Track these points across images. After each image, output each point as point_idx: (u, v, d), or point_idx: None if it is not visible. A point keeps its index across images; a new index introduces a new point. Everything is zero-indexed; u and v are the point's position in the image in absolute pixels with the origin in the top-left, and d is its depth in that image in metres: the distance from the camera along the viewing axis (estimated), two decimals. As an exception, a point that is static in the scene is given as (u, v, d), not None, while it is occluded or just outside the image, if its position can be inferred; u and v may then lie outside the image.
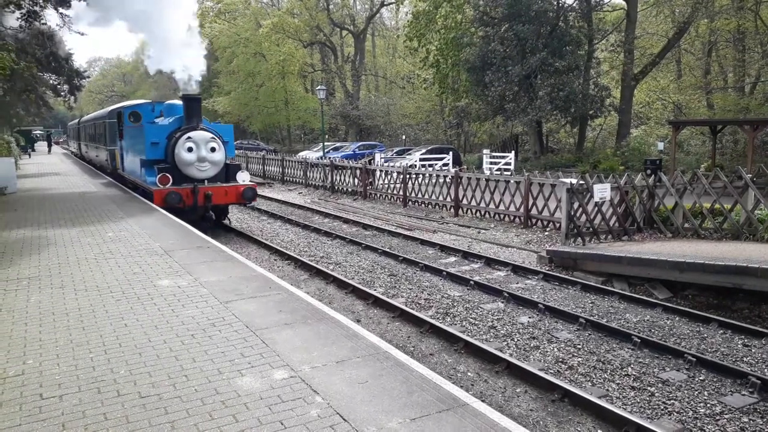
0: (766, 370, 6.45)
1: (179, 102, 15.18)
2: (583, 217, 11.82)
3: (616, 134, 30.73)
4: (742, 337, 7.40)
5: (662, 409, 5.56)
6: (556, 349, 7.00)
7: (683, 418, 5.40)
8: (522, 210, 14.87)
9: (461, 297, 9.09)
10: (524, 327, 7.77)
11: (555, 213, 13.75)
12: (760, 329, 7.55)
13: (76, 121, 39.42)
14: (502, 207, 15.69)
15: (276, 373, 4.14)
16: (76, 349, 4.65)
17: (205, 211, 13.16)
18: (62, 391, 3.94)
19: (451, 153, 29.06)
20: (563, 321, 7.96)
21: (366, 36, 54.54)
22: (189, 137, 13.04)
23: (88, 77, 45.54)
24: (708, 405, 5.64)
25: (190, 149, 13.01)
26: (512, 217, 15.37)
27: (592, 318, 7.89)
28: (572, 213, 11.66)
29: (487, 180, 16.33)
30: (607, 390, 5.97)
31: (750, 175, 11.10)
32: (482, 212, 16.42)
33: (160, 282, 6.51)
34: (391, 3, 49.04)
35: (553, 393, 5.70)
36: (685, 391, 5.91)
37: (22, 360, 4.44)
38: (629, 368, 6.45)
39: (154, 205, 13.06)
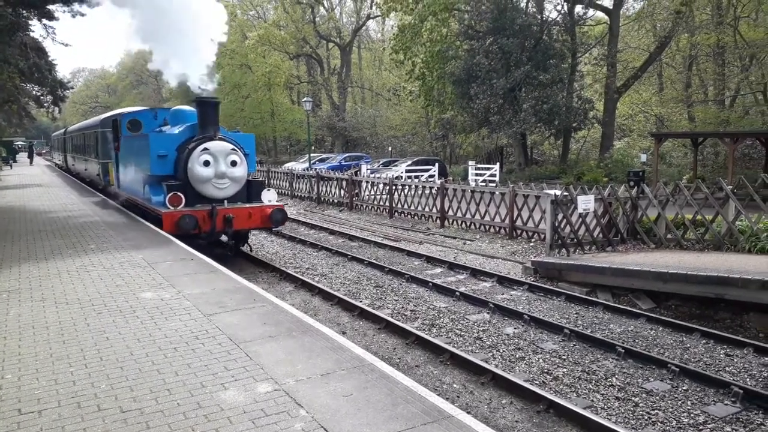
0: (748, 379, 6.51)
1: (188, 108, 13.44)
2: (568, 228, 11.90)
3: (600, 146, 31.04)
4: (725, 346, 7.48)
5: (646, 420, 5.59)
6: (541, 360, 7.01)
7: (667, 428, 5.43)
8: (507, 221, 14.95)
9: (447, 308, 9.09)
10: (510, 338, 7.78)
11: (540, 224, 13.84)
12: (742, 339, 7.63)
13: (62, 131, 37.04)
14: (487, 218, 15.76)
15: (260, 386, 4.10)
16: (56, 363, 4.57)
17: (221, 236, 11.34)
18: (41, 406, 3.87)
19: (436, 164, 29.19)
20: (548, 332, 7.99)
21: (352, 48, 54.81)
22: (205, 149, 10.81)
23: (72, 88, 45.11)
24: (691, 415, 5.67)
25: (206, 163, 10.75)
26: (497, 228, 15.44)
27: (576, 329, 7.93)
28: (557, 224, 11.74)
29: (473, 191, 16.40)
30: (592, 401, 5.99)
31: (730, 187, 11.27)
32: (468, 223, 16.48)
33: (143, 294, 6.44)
34: (378, 16, 49.35)
35: (538, 404, 5.71)
36: (669, 401, 5.94)
37: (0, 375, 4.36)
38: (614, 379, 6.48)
39: (162, 232, 10.77)
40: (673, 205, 11.82)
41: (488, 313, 8.82)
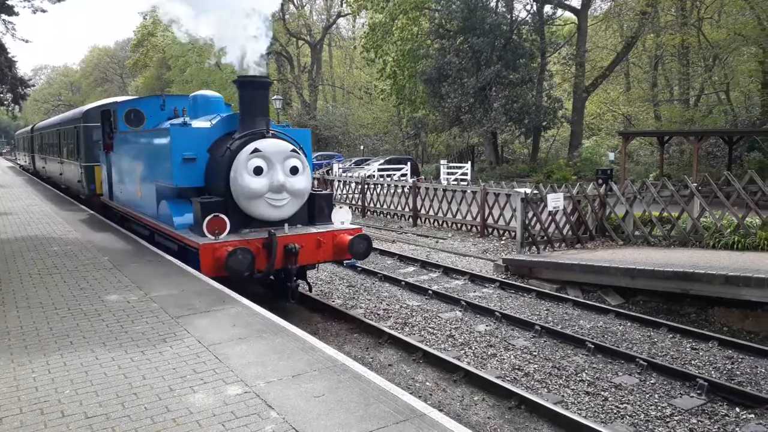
0: (713, 372, 6.67)
1: (213, 94, 10.73)
2: (538, 226, 12.05)
3: (569, 145, 31.53)
4: (690, 340, 7.64)
5: (615, 413, 5.68)
6: (512, 357, 7.07)
7: (635, 421, 5.53)
8: (479, 219, 15.06)
9: (420, 306, 9.11)
10: (482, 335, 7.83)
11: (510, 222, 13.97)
12: (707, 333, 7.82)
13: (29, 128, 31.87)
14: (459, 217, 15.85)
15: (230, 388, 4.03)
16: (18, 369, 4.43)
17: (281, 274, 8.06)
18: (2, 413, 3.73)
19: (409, 163, 29.26)
20: (519, 328, 8.07)
21: (323, 46, 54.55)
22: (256, 150, 7.54)
23: (33, 86, 43.85)
24: (659, 408, 5.78)
25: (258, 170, 7.53)
26: (469, 227, 15.54)
27: (547, 325, 8.02)
28: (527, 222, 11.87)
29: (445, 190, 16.48)
30: (563, 396, 6.06)
31: (695, 184, 11.53)
32: (440, 222, 16.55)
33: (108, 297, 6.29)
34: (348, 14, 49.23)
35: (510, 400, 5.75)
36: (637, 395, 6.05)
37: (-42, 382, 4.19)
38: (583, 374, 6.57)
39: (193, 272, 7.40)
40: (641, 203, 12.05)
41: (460, 310, 8.87)
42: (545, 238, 12.10)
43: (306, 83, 52.21)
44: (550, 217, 12.17)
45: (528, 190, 12.45)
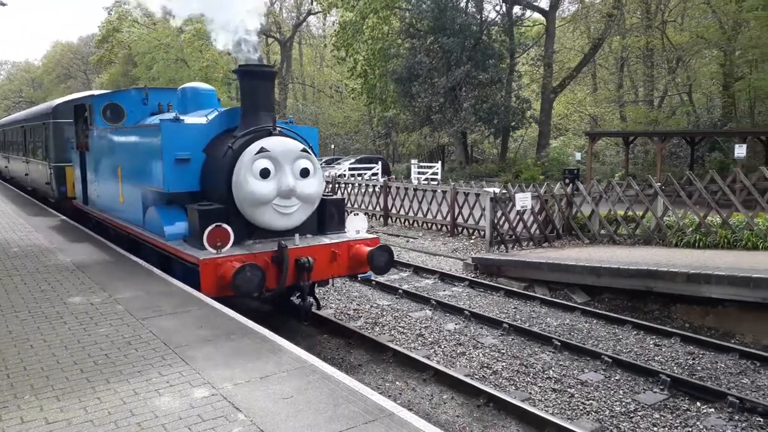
0: (675, 367, 6.84)
1: (205, 86, 9.72)
2: (506, 225, 12.18)
3: (537, 145, 31.97)
4: (654, 337, 7.83)
5: (581, 410, 5.78)
6: (481, 355, 7.14)
7: (601, 417, 5.63)
8: (449, 219, 15.15)
9: (390, 306, 9.13)
10: (451, 334, 7.88)
11: (480, 221, 14.10)
12: (670, 329, 8.02)
13: None
14: (429, 216, 15.93)
15: (196, 391, 3.97)
16: (-26, 374, 4.29)
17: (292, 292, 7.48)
18: (-43, 421, 3.61)
19: (380, 163, 29.29)
20: (488, 326, 8.15)
21: (293, 44, 54.17)
22: (262, 149, 6.67)
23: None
24: (623, 403, 5.90)
25: (265, 173, 6.63)
26: (440, 226, 15.63)
27: (515, 323, 8.12)
28: (496, 221, 12.00)
29: (416, 189, 16.55)
30: (530, 393, 6.14)
31: (659, 184, 11.81)
32: (411, 221, 16.61)
33: (71, 300, 6.14)
34: (318, 12, 49.01)
35: (478, 398, 5.81)
36: (602, 391, 6.16)
37: None
38: (550, 371, 6.67)
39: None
40: (606, 202, 12.29)
41: (430, 309, 8.92)
42: (513, 237, 12.25)
43: (276, 81, 51.80)
44: (518, 217, 12.32)
45: (497, 190, 12.59)
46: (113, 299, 6.10)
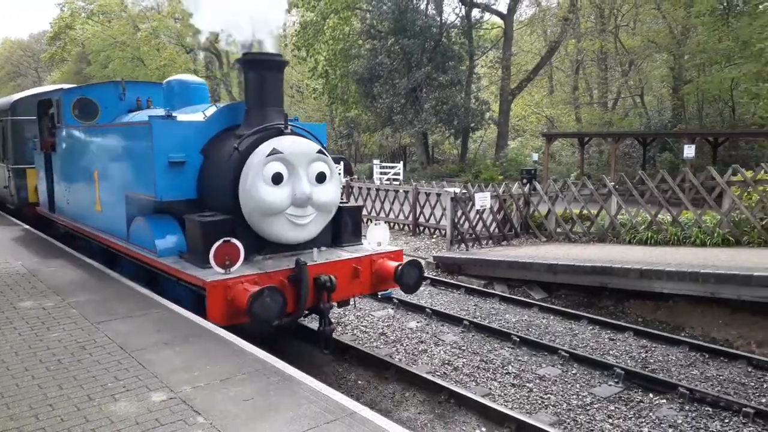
0: (629, 360, 7.05)
1: (194, 78, 8.78)
2: (467, 224, 12.34)
3: (496, 146, 32.43)
4: (608, 331, 8.05)
5: (540, 404, 5.90)
6: (442, 352, 7.22)
7: (558, 410, 5.77)
8: (411, 218, 15.25)
9: (351, 306, 9.12)
10: (413, 332, 7.94)
11: (441, 221, 14.23)
12: (623, 324, 8.26)
13: None
14: (392, 215, 16.00)
15: (154, 395, 3.90)
16: None
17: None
18: None
19: (342, 163, 29.15)
20: (449, 324, 8.24)
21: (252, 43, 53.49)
22: (275, 151, 5.80)
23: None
24: (580, 396, 6.06)
25: (277, 178, 5.79)
26: (402, 225, 15.71)
27: (475, 320, 8.24)
28: (456, 220, 12.14)
29: (378, 189, 16.60)
30: (490, 389, 6.24)
31: (613, 183, 12.16)
32: (373, 221, 16.64)
33: (22, 304, 5.94)
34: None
35: (440, 395, 5.87)
36: (560, 385, 6.31)
37: None
38: (509, 366, 6.79)
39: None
40: (562, 201, 12.58)
41: (392, 308, 8.96)
42: (473, 235, 12.42)
43: (236, 80, 51.08)
44: (478, 216, 12.50)
45: (457, 190, 12.74)
46: (66, 303, 5.93)
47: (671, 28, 26.84)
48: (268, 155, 5.74)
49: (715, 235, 10.26)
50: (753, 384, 6.37)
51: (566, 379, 6.47)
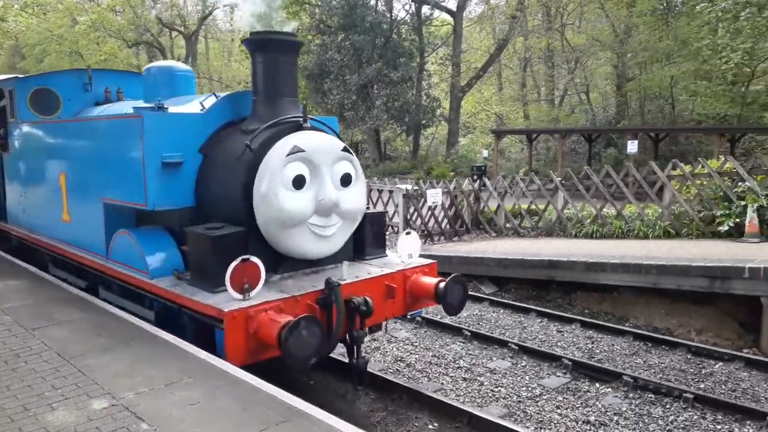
0: (576, 351, 7.23)
1: (179, 65, 7.63)
2: (419, 221, 12.40)
3: (447, 143, 32.76)
4: (556, 323, 8.23)
5: (491, 397, 5.98)
6: (395, 349, 7.22)
7: (509, 402, 5.85)
8: (362, 215, 15.21)
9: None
10: (365, 330, 7.91)
11: (393, 217, 14.24)
12: (570, 316, 8.47)
13: None
14: (342, 213, 15.92)
15: (94, 403, 3.74)
16: None
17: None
18: None
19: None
20: (401, 320, 8.24)
21: (198, 38, 52.36)
22: (296, 149, 4.89)
23: None
24: (529, 388, 6.17)
25: (299, 182, 4.90)
26: (353, 223, 15.66)
27: (426, 315, 8.27)
28: (408, 217, 12.18)
29: (328, 186, 16.48)
30: (442, 383, 6.28)
31: (559, 179, 12.44)
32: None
33: (-49, 311, 5.61)
34: (226, 6, 47.64)
35: (392, 392, 5.85)
36: (510, 378, 6.41)
37: None
38: (461, 361, 6.85)
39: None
40: (511, 197, 12.81)
41: (344, 306, 8.90)
42: (426, 232, 12.48)
43: (182, 76, 49.77)
44: (430, 212, 12.58)
45: (409, 187, 12.78)
46: (-1, 309, 5.62)
47: (614, 27, 27.71)
48: (288, 154, 4.83)
49: (657, 227, 10.63)
50: (692, 370, 6.63)
51: (516, 372, 6.58)
